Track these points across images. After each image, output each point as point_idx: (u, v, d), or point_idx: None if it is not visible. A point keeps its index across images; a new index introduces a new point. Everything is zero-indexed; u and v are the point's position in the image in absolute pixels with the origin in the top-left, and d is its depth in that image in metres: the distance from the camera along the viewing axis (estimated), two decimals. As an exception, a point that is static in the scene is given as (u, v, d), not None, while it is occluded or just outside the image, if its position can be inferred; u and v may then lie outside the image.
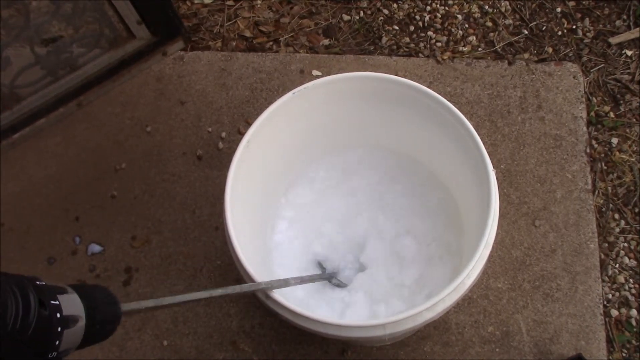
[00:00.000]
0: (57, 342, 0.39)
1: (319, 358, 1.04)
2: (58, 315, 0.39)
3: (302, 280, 0.83)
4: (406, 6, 1.34)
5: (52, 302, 0.39)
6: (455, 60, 1.27)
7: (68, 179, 1.22)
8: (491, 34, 1.30)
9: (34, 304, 0.37)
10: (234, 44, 1.33)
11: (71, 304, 0.41)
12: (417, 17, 1.33)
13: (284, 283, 0.75)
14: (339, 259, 0.96)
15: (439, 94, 0.82)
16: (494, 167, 0.77)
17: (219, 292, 0.64)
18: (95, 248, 1.15)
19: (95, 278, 1.13)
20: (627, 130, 1.20)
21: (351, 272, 0.94)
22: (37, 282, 0.39)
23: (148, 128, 1.25)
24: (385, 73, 0.86)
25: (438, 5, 1.34)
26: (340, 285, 0.93)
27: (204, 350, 1.06)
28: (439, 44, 1.30)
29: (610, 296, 1.07)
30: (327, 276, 0.92)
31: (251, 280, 0.72)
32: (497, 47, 1.29)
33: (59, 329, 0.39)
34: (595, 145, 1.19)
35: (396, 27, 1.32)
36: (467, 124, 0.79)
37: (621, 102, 1.23)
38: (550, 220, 1.12)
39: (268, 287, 0.71)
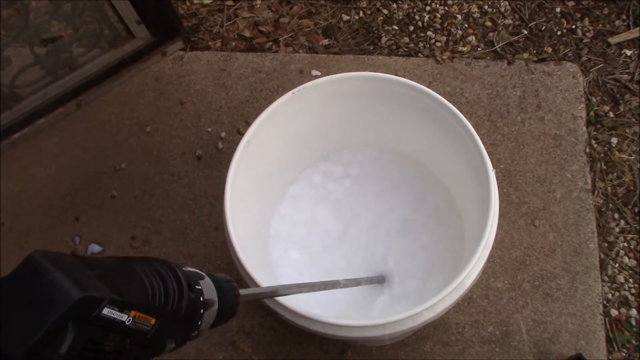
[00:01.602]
0: (199, 322, 0.44)
1: (319, 358, 1.04)
2: (201, 298, 0.43)
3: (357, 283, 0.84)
4: (406, 6, 1.35)
5: (197, 287, 0.43)
6: (455, 60, 1.27)
7: (68, 179, 1.22)
8: (490, 34, 1.30)
9: (185, 288, 0.41)
10: (234, 44, 1.33)
11: (208, 289, 0.45)
12: (417, 17, 1.33)
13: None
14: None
15: (439, 93, 0.82)
16: (493, 167, 0.77)
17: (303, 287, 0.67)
18: (95, 248, 1.15)
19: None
20: (627, 130, 1.20)
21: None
22: (184, 269, 0.44)
23: (147, 128, 1.25)
24: (385, 73, 0.86)
25: (437, 5, 1.34)
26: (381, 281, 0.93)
27: (203, 350, 1.06)
28: (438, 44, 1.30)
29: (610, 296, 1.07)
30: (379, 279, 0.92)
31: (252, 280, 0.72)
32: (497, 47, 1.29)
33: (202, 310, 0.43)
34: (595, 145, 1.19)
35: (396, 27, 1.32)
36: (467, 124, 0.79)
37: (620, 101, 1.23)
38: (550, 220, 1.12)
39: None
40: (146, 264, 0.41)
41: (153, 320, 0.38)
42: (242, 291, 0.52)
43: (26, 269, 0.34)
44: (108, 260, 0.39)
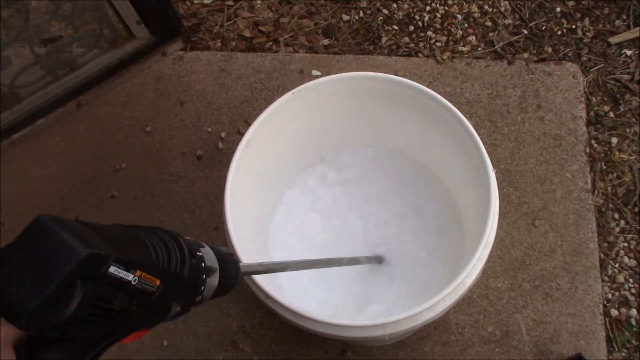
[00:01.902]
0: (202, 288, 0.45)
1: (319, 358, 1.04)
2: (202, 264, 0.44)
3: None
4: (406, 6, 1.34)
5: (198, 253, 0.44)
6: (455, 60, 1.27)
7: (68, 179, 1.22)
8: (491, 34, 1.30)
9: (186, 253, 0.43)
10: (234, 44, 1.33)
11: (209, 256, 0.46)
12: (417, 17, 1.33)
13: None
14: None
15: (439, 93, 0.82)
16: (493, 167, 0.77)
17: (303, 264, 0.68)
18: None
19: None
20: (627, 130, 1.20)
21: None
22: (184, 237, 0.45)
23: (147, 128, 1.25)
24: (385, 73, 0.86)
25: (437, 5, 1.34)
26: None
27: (204, 350, 1.06)
28: (438, 44, 1.30)
29: (610, 296, 1.07)
30: (376, 259, 0.93)
31: (252, 280, 0.72)
32: (497, 46, 1.29)
33: (204, 276, 0.44)
34: (595, 145, 1.19)
35: (396, 27, 1.32)
36: (467, 124, 0.79)
37: (621, 101, 1.23)
38: (550, 220, 1.12)
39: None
40: (149, 231, 0.42)
41: (158, 282, 0.39)
42: (243, 264, 0.53)
43: (33, 230, 0.35)
44: (112, 226, 0.40)
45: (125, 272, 0.36)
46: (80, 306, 0.33)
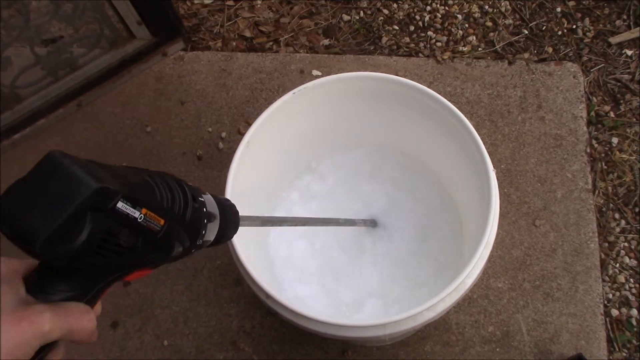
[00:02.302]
0: (204, 232, 0.46)
1: (319, 358, 1.04)
2: (204, 209, 0.46)
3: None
4: (406, 6, 1.35)
5: (200, 198, 0.46)
6: (455, 60, 1.27)
7: (68, 179, 1.21)
8: (491, 34, 1.30)
9: (189, 196, 0.44)
10: (234, 44, 1.33)
11: (211, 203, 0.48)
12: (417, 17, 1.33)
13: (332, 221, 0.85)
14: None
15: (439, 93, 0.82)
16: (494, 166, 0.77)
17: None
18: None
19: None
20: (628, 130, 1.20)
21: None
22: (188, 183, 0.46)
23: (148, 128, 1.25)
24: (385, 73, 0.86)
25: (438, 5, 1.34)
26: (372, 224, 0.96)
27: (204, 350, 1.06)
28: (439, 44, 1.30)
29: (610, 296, 1.07)
30: (371, 222, 0.96)
31: (252, 280, 0.72)
32: (497, 47, 1.29)
33: (205, 220, 0.46)
34: (596, 145, 1.19)
35: (396, 27, 1.32)
36: (468, 124, 0.79)
37: (621, 101, 1.23)
38: (550, 220, 1.12)
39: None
40: (155, 173, 0.44)
41: (162, 221, 0.40)
42: (242, 215, 0.54)
43: (45, 164, 0.36)
44: (120, 167, 0.41)
45: (132, 209, 0.37)
46: (90, 237, 0.35)
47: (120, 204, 0.36)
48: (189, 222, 0.43)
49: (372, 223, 0.97)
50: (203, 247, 0.47)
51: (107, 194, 0.35)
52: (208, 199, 0.48)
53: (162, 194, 0.41)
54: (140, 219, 0.38)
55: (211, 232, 0.47)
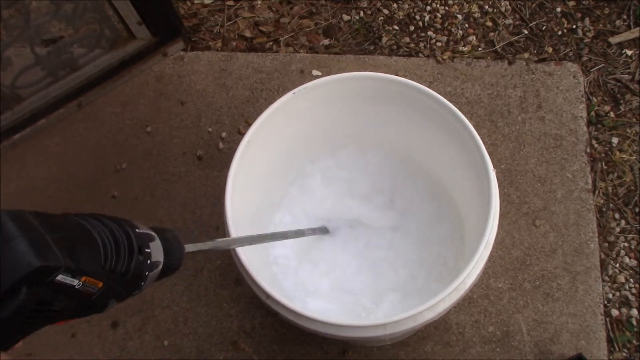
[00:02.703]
0: (143, 283, 0.45)
1: (319, 358, 1.04)
2: (148, 261, 0.45)
3: (297, 234, 0.86)
4: (406, 6, 1.35)
5: (146, 250, 0.45)
6: (455, 60, 1.27)
7: (68, 179, 1.22)
8: (491, 34, 1.30)
9: (136, 251, 0.43)
10: (234, 44, 1.33)
11: (157, 250, 0.47)
12: (417, 17, 1.33)
13: (282, 235, 0.81)
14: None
15: (439, 93, 0.82)
16: (494, 167, 0.77)
17: (255, 239, 0.70)
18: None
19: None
20: (628, 130, 1.20)
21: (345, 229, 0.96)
22: (136, 230, 0.45)
23: (148, 128, 1.25)
24: (385, 73, 0.86)
25: (438, 5, 1.34)
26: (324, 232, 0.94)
27: (204, 350, 1.06)
28: (439, 44, 1.30)
29: (610, 296, 1.07)
30: (321, 230, 0.94)
31: (252, 280, 0.73)
32: (497, 47, 1.29)
33: (147, 272, 0.45)
34: (596, 145, 1.19)
35: (396, 27, 1.32)
36: (468, 124, 0.79)
37: (621, 101, 1.23)
38: (550, 220, 1.12)
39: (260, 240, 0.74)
40: (103, 225, 0.43)
41: (101, 284, 0.40)
42: (188, 246, 0.54)
43: None
44: (68, 220, 0.41)
45: (71, 279, 0.37)
46: (20, 308, 0.36)
47: (60, 277, 0.36)
48: (129, 279, 0.43)
49: (322, 231, 0.95)
50: (141, 292, 0.47)
51: (48, 270, 0.36)
52: (155, 246, 0.47)
53: (107, 254, 0.41)
54: (77, 286, 0.38)
55: (151, 280, 0.47)
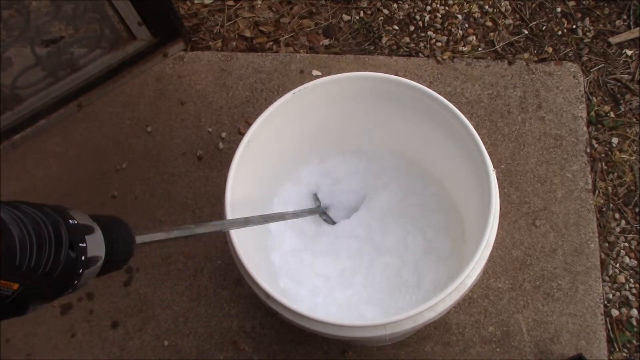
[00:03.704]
0: (76, 282, 0.41)
1: (319, 358, 1.04)
2: (83, 257, 0.40)
3: (294, 215, 0.82)
4: (406, 6, 1.35)
5: (81, 244, 0.40)
6: (455, 60, 1.27)
7: (68, 179, 1.22)
8: (491, 34, 1.30)
9: (65, 246, 0.38)
10: (234, 44, 1.33)
11: (95, 245, 0.42)
12: (417, 17, 1.33)
13: (279, 217, 0.74)
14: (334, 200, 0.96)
15: (439, 93, 0.82)
16: (494, 167, 0.77)
17: (218, 225, 0.64)
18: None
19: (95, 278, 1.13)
20: (628, 130, 1.20)
21: (343, 212, 0.95)
22: (70, 222, 0.40)
23: (148, 128, 1.25)
24: (385, 73, 0.86)
25: (438, 5, 1.34)
26: (328, 221, 0.91)
27: (204, 350, 1.06)
28: (439, 44, 1.30)
29: (610, 296, 1.07)
30: (318, 210, 0.90)
31: (252, 280, 0.73)
32: (497, 47, 1.29)
33: (81, 270, 0.40)
34: (596, 145, 1.19)
35: (396, 27, 1.32)
36: (468, 124, 0.79)
37: (621, 101, 1.23)
38: (550, 220, 1.12)
39: (264, 220, 0.69)
40: (24, 215, 0.37)
41: (16, 286, 0.36)
42: (141, 237, 0.49)
43: None
44: None
45: None
46: None
47: None
48: (58, 277, 0.39)
49: (318, 211, 0.91)
50: (75, 292, 0.42)
51: None
52: (94, 239, 0.42)
53: (24, 252, 0.36)
54: None
55: (88, 277, 0.42)
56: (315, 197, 0.98)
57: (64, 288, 0.40)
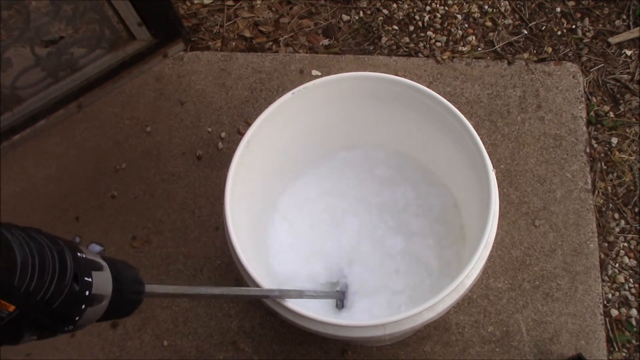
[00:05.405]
0: (77, 318, 0.39)
1: (319, 358, 1.04)
2: (87, 293, 0.39)
3: (315, 295, 0.82)
4: (406, 6, 1.35)
5: (86, 278, 0.39)
6: (455, 60, 1.27)
7: (68, 179, 1.22)
8: (491, 34, 1.31)
9: (69, 277, 0.37)
10: (234, 44, 1.33)
11: (102, 283, 0.41)
12: (417, 17, 1.33)
13: (298, 294, 0.74)
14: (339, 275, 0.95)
15: (439, 93, 0.82)
16: (493, 167, 0.77)
17: (235, 291, 0.64)
18: (96, 248, 1.14)
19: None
20: (627, 130, 1.20)
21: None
22: (78, 254, 0.39)
23: (148, 128, 1.25)
24: (385, 73, 0.86)
25: (438, 5, 1.34)
26: (339, 306, 0.91)
27: (204, 350, 1.06)
28: (438, 44, 1.30)
29: (610, 296, 1.07)
30: (339, 295, 0.90)
31: (252, 280, 0.73)
32: (497, 47, 1.29)
33: (84, 306, 0.39)
34: (595, 145, 1.19)
35: (396, 27, 1.32)
36: (467, 124, 0.79)
37: (621, 101, 1.23)
38: (550, 220, 1.12)
39: (282, 295, 0.70)
40: (30, 238, 0.36)
41: (12, 308, 0.34)
42: (152, 287, 0.47)
43: None
44: None
45: None
46: None
47: None
48: (56, 308, 0.37)
49: (338, 295, 0.90)
50: (77, 330, 0.41)
51: None
52: (101, 276, 0.40)
53: (24, 273, 0.34)
54: None
55: (92, 316, 0.41)
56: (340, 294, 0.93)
57: (64, 322, 0.38)
